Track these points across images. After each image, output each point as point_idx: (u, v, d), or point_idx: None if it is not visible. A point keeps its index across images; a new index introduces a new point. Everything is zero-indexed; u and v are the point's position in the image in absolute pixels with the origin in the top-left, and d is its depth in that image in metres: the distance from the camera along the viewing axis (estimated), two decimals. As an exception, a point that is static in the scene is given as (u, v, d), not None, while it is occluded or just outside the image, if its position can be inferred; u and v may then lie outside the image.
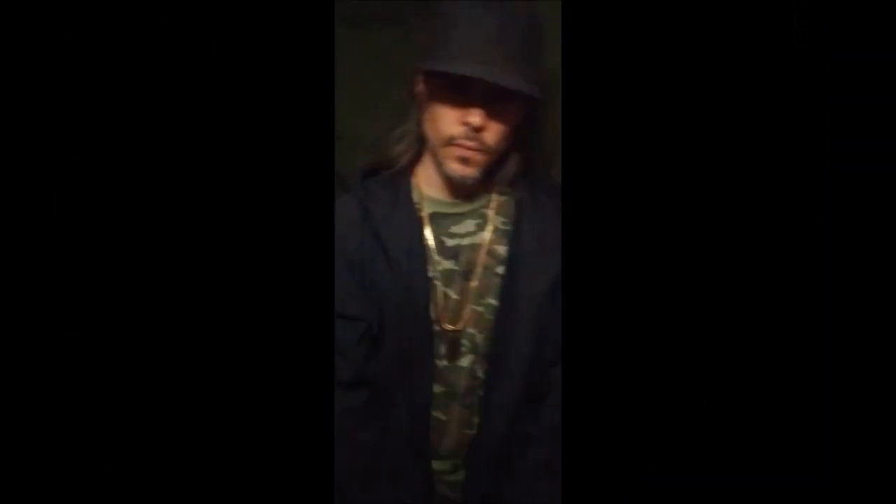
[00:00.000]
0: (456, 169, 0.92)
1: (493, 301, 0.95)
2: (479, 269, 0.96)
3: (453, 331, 0.95)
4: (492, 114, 0.89)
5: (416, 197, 0.98)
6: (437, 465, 0.97)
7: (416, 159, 1.00)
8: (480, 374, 0.95)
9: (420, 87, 0.94)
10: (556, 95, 1.18)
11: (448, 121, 0.91)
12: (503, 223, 0.98)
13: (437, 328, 0.95)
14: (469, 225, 0.98)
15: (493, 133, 0.91)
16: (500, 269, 0.96)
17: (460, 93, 0.88)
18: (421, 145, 0.98)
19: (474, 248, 0.97)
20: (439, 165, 0.95)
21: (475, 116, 0.88)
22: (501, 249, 0.97)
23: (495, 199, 0.98)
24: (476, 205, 0.99)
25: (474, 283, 0.95)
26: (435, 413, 0.95)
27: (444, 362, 0.95)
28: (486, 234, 0.97)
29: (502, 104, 0.89)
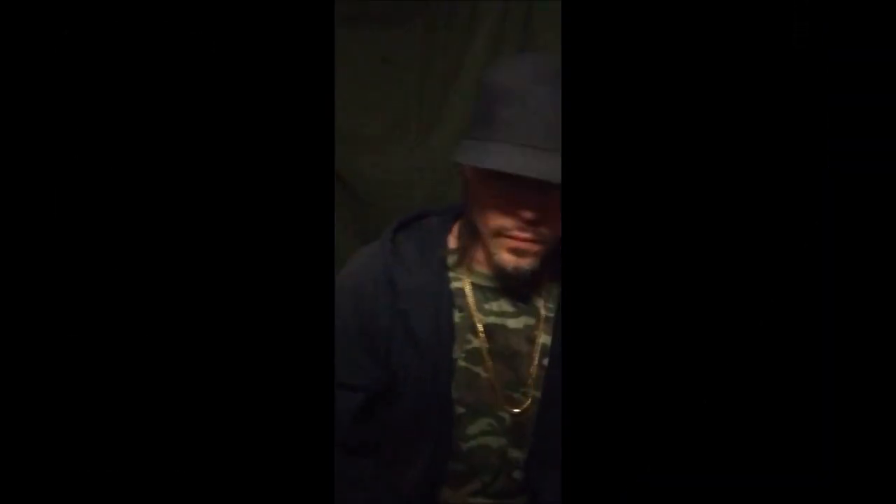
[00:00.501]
0: (508, 261, 0.82)
1: (535, 393, 0.87)
2: (515, 358, 0.87)
3: (517, 413, 0.86)
4: (548, 204, 0.78)
5: (451, 265, 0.88)
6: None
7: (459, 217, 0.90)
8: (543, 339, 0.87)
9: (464, 172, 0.84)
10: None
11: (497, 212, 0.81)
12: (549, 308, 0.88)
13: (463, 411, 0.87)
14: (504, 304, 0.88)
15: (552, 224, 0.80)
16: (544, 361, 0.87)
17: (511, 182, 0.77)
18: (471, 232, 0.87)
19: (513, 331, 0.88)
20: (489, 256, 0.84)
21: (528, 212, 0.78)
22: (543, 337, 0.88)
23: (546, 282, 0.88)
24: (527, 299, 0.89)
25: (510, 372, 0.87)
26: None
27: (471, 443, 0.88)
28: (528, 320, 0.88)
29: (556, 191, 0.75)
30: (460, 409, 0.86)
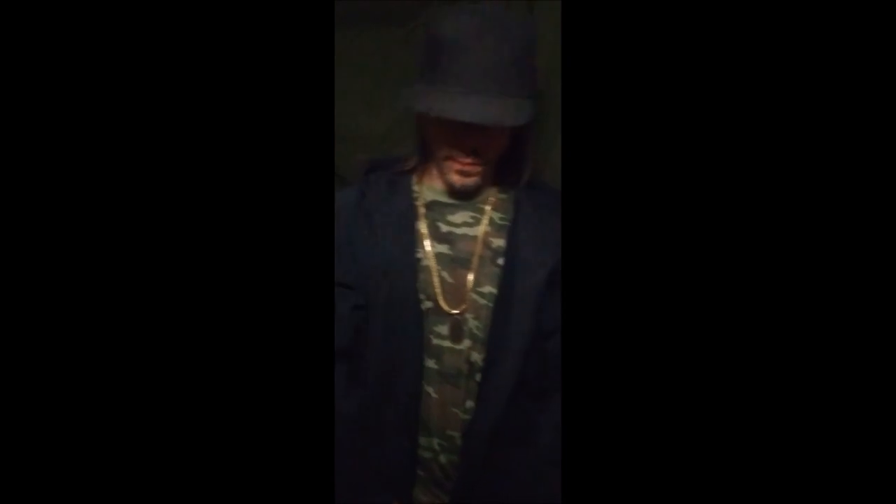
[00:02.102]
0: (456, 180, 0.98)
1: (491, 289, 0.97)
2: (475, 259, 0.98)
3: (456, 314, 0.96)
4: (488, 135, 0.94)
5: (415, 189, 1.02)
6: (424, 440, 0.98)
7: (420, 164, 1.04)
8: (476, 359, 0.96)
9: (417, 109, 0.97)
10: (550, 99, 1.18)
11: (444, 141, 0.96)
12: (500, 218, 1.01)
13: (433, 306, 0.97)
14: (465, 216, 1.01)
15: (492, 149, 0.96)
16: (500, 261, 0.98)
17: (456, 123, 0.90)
18: (424, 153, 1.02)
19: (469, 238, 1.00)
20: (441, 173, 1.00)
21: (471, 142, 0.93)
22: (499, 242, 0.99)
23: (493, 197, 1.02)
24: (474, 201, 1.02)
25: (471, 272, 0.98)
26: (427, 388, 0.97)
27: (446, 342, 0.97)
28: (482, 227, 1.00)
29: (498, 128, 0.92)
30: (427, 304, 0.97)
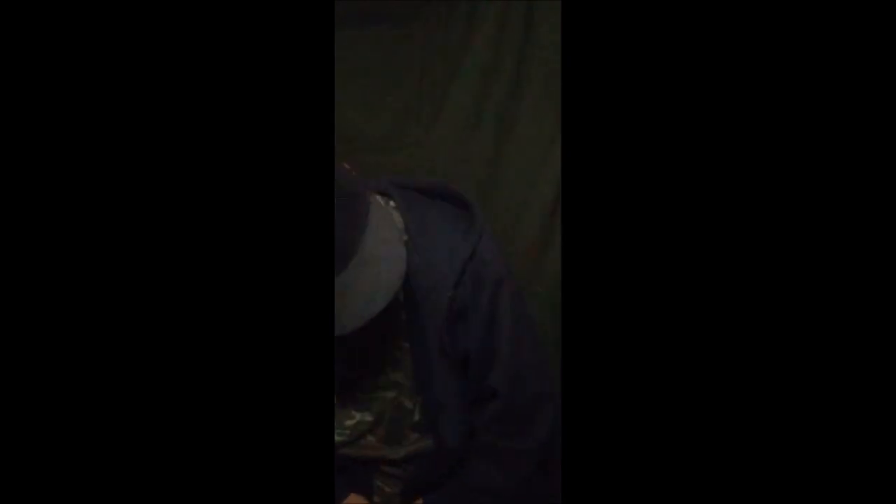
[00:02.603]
0: None
1: (405, 343, 0.97)
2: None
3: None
4: None
5: None
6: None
7: None
8: (408, 404, 0.98)
9: None
10: (550, 99, 1.18)
11: None
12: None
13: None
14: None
15: None
16: (398, 314, 0.95)
17: None
18: None
19: None
20: None
21: None
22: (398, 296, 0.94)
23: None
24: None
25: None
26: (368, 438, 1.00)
27: (363, 395, 0.99)
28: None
29: None
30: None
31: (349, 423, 1.00)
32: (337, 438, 1.00)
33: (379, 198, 0.96)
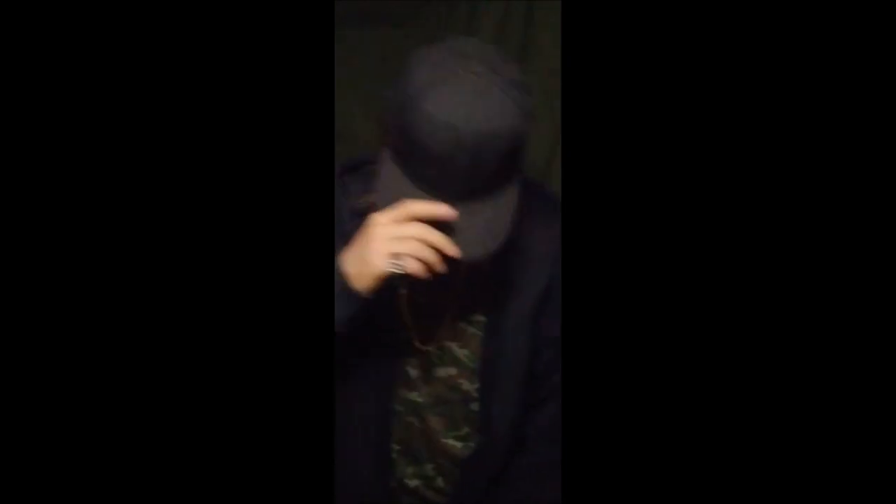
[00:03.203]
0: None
1: (480, 318, 0.91)
2: (454, 284, 0.89)
3: (429, 349, 0.91)
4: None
5: None
6: (412, 469, 0.95)
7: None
8: (469, 388, 0.92)
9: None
10: (550, 98, 1.18)
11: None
12: (470, 358, 0.93)
13: (406, 337, 0.91)
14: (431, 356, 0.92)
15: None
16: (475, 285, 0.90)
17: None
18: None
19: (437, 381, 0.92)
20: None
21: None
22: (466, 385, 0.92)
23: (466, 331, 0.93)
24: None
25: (448, 295, 0.90)
26: (409, 419, 0.93)
27: (417, 371, 0.92)
28: (449, 370, 0.92)
29: None
30: (395, 448, 0.93)
31: (398, 406, 0.93)
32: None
33: None
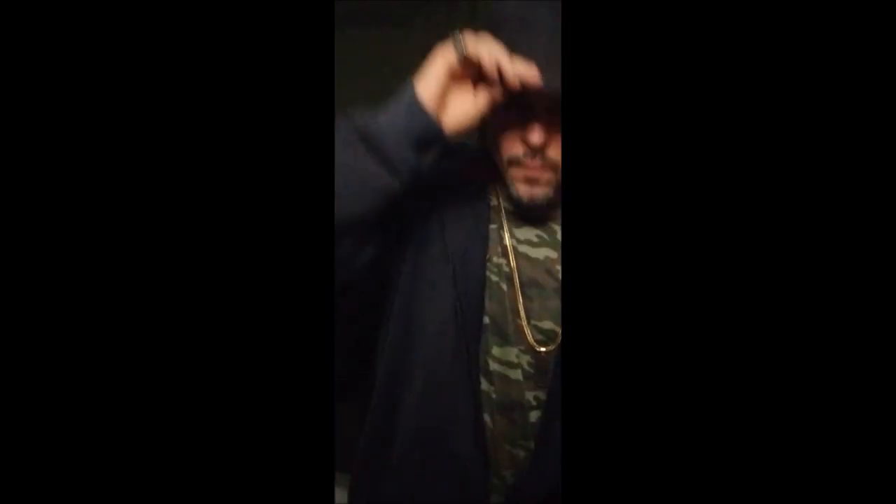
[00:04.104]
0: (523, 192, 0.84)
1: (553, 327, 0.87)
2: (534, 288, 0.88)
3: (542, 353, 0.86)
4: (553, 128, 0.81)
5: (490, 190, 0.90)
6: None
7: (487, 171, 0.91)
8: (529, 397, 0.88)
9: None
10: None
11: (507, 141, 0.83)
12: None
13: (489, 323, 0.87)
14: (530, 234, 0.89)
15: (558, 148, 0.82)
16: (558, 292, 0.86)
17: (518, 107, 0.81)
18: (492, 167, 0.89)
19: (529, 260, 0.89)
20: (507, 187, 0.86)
21: (535, 134, 0.80)
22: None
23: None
24: (545, 217, 0.90)
25: (530, 302, 0.88)
26: (483, 415, 0.88)
27: (496, 366, 0.88)
28: (545, 251, 0.89)
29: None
30: (486, 319, 0.87)
31: (485, 387, 0.88)
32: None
33: None
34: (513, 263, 0.88)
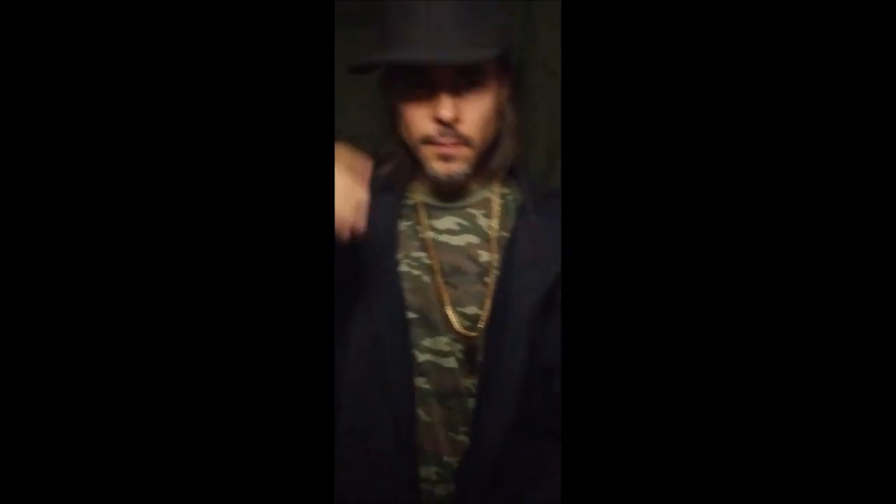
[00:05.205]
0: (439, 168, 0.86)
1: (476, 311, 0.89)
2: (457, 276, 0.89)
3: (471, 337, 0.88)
4: (464, 102, 0.84)
5: (405, 188, 0.92)
6: (421, 471, 0.90)
7: (402, 166, 0.93)
8: (468, 384, 0.89)
9: (385, 89, 0.88)
10: (548, 87, 1.17)
11: (418, 119, 0.85)
12: (493, 228, 0.91)
13: (418, 318, 0.89)
14: (450, 222, 0.91)
15: (471, 123, 0.85)
16: (486, 279, 0.89)
17: (424, 86, 0.83)
18: (407, 152, 0.91)
19: (451, 248, 0.90)
20: (424, 167, 0.88)
21: (445, 108, 0.82)
22: (487, 256, 0.90)
23: (493, 201, 0.92)
24: (466, 202, 0.92)
25: (454, 290, 0.89)
26: (417, 409, 0.89)
27: (428, 356, 0.90)
28: (466, 237, 0.90)
29: (473, 90, 0.83)
30: (411, 314, 0.89)
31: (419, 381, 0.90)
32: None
33: None
34: (433, 254, 0.89)
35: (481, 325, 0.89)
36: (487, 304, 0.88)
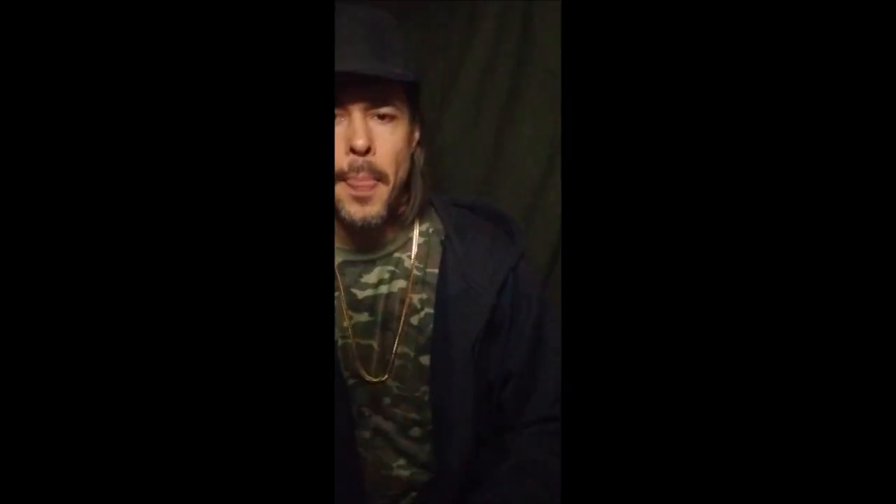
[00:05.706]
0: (355, 211, 0.84)
1: (407, 351, 0.91)
2: (394, 322, 0.90)
3: (375, 383, 0.91)
4: (375, 134, 0.83)
5: None
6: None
7: None
8: (405, 415, 0.92)
9: None
10: (548, 87, 1.17)
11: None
12: (419, 267, 0.91)
13: (356, 382, 0.91)
14: (381, 273, 0.91)
15: (383, 155, 0.83)
16: (414, 320, 0.90)
17: (338, 117, 0.82)
18: None
19: (390, 297, 0.91)
20: (339, 217, 0.86)
21: (358, 137, 0.81)
22: (417, 299, 0.90)
23: (414, 241, 0.92)
24: (389, 249, 0.92)
25: (390, 335, 0.91)
26: (364, 453, 0.92)
27: (368, 412, 0.92)
28: (400, 283, 0.91)
29: (385, 122, 0.83)
30: (351, 380, 0.90)
31: (357, 391, 0.92)
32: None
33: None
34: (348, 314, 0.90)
35: (410, 366, 0.91)
36: (424, 343, 0.91)
